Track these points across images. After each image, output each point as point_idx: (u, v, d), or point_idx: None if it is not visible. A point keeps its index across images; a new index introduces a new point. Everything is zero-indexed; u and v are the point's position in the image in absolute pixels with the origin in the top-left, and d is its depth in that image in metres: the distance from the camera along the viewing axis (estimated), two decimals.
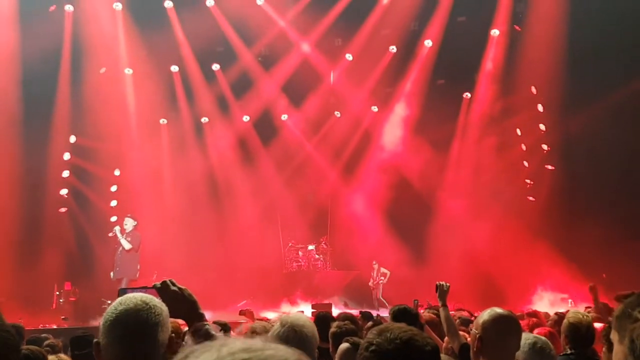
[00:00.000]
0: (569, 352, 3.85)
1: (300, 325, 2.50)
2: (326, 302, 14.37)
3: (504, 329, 2.69)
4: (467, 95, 16.31)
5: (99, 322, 1.85)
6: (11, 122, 13.29)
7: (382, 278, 15.57)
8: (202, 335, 1.94)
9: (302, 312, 6.29)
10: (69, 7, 14.02)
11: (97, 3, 14.13)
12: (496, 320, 2.70)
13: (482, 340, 2.68)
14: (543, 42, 14.41)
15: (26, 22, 13.17)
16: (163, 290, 2.00)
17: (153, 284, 2.03)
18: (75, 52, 14.40)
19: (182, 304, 2.00)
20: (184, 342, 2.04)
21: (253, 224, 15.66)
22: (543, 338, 3.09)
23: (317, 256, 16.38)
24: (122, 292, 2.04)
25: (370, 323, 6.00)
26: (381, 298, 15.36)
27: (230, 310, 12.43)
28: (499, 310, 2.77)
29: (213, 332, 1.94)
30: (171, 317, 1.99)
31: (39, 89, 13.82)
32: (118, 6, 14.33)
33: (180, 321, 3.10)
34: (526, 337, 3.02)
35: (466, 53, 15.36)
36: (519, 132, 15.88)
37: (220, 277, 14.04)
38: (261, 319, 8.46)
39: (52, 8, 13.79)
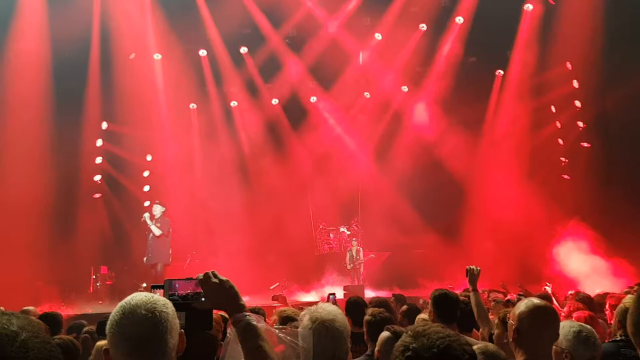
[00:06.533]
0: (619, 337, 3.74)
1: (330, 320, 2.46)
2: (358, 284, 14.39)
3: (540, 321, 2.68)
4: (500, 72, 15.95)
5: None
6: (43, 109, 13.46)
7: (362, 258, 15.22)
8: (242, 326, 1.95)
9: (334, 294, 6.31)
10: None
11: None
12: (532, 311, 2.69)
13: (518, 332, 2.67)
14: (578, 17, 13.94)
15: (55, 10, 13.25)
16: (205, 282, 2.02)
17: (196, 275, 2.05)
18: (105, 38, 14.46)
19: (223, 296, 2.01)
20: (228, 334, 2.04)
21: (284, 207, 15.69)
22: (588, 327, 3.03)
23: (348, 237, 16.35)
24: (169, 282, 2.06)
25: (405, 307, 5.95)
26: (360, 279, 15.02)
27: (263, 294, 12.54)
28: (535, 301, 2.74)
29: (254, 323, 1.95)
30: (212, 308, 2.07)
31: (69, 76, 13.93)
32: None
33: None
34: (570, 325, 3.00)
35: (498, 30, 14.98)
36: (553, 109, 15.51)
37: (252, 261, 14.13)
38: (294, 304, 8.52)
39: None
